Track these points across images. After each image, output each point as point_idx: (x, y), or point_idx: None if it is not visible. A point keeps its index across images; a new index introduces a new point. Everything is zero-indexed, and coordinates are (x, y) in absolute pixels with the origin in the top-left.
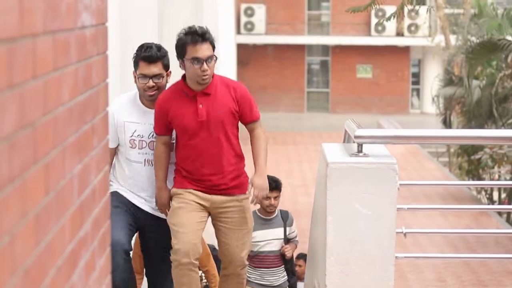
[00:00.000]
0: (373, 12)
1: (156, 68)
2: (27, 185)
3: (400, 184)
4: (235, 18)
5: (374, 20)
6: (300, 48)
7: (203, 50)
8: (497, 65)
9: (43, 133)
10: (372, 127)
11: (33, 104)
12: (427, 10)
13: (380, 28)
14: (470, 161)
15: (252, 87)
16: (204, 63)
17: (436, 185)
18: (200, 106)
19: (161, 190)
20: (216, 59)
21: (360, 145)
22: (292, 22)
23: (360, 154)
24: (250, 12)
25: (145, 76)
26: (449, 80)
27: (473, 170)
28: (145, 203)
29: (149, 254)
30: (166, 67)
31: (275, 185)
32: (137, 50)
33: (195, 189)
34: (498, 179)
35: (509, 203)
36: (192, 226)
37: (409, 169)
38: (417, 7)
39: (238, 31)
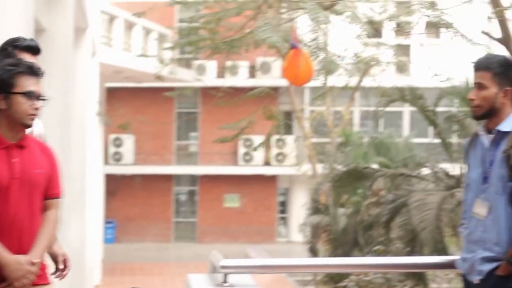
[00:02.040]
0: (240, 142)
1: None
2: None
3: None
4: (103, 148)
5: (241, 150)
6: (168, 178)
7: (39, 85)
8: (363, 193)
9: None
10: (239, 256)
11: None
12: (294, 140)
13: (247, 157)
14: None
15: (120, 217)
16: (38, 100)
17: None
18: (15, 160)
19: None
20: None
21: (225, 276)
22: (161, 152)
23: (226, 284)
24: (118, 143)
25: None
26: (316, 208)
27: None
28: None
29: None
30: None
31: None
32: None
33: None
34: None
35: None
36: None
37: None
38: (284, 137)
39: (106, 162)
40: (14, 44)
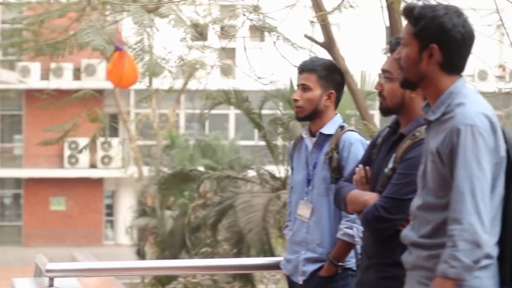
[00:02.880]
0: (66, 144)
1: None
2: None
3: None
4: None
5: (67, 152)
6: None
7: None
8: (190, 195)
9: None
10: (66, 260)
11: None
12: (120, 142)
13: (73, 160)
14: None
15: None
16: None
17: None
18: None
19: None
20: None
21: (51, 279)
22: None
23: None
24: None
25: None
26: (142, 211)
27: None
28: None
29: None
30: None
31: None
32: None
33: None
34: None
35: None
36: None
37: None
38: (109, 139)
39: None
40: None
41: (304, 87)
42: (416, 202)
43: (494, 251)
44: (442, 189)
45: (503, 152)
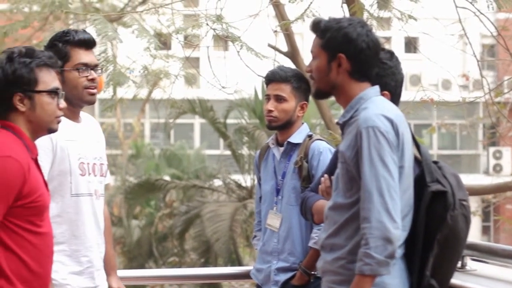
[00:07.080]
0: None
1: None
2: None
3: None
4: None
5: None
6: None
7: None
8: (156, 204)
9: None
10: None
11: None
12: None
13: None
14: None
15: None
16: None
17: None
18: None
19: None
20: None
21: None
22: None
23: None
24: None
25: (86, 65)
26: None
27: None
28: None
29: None
30: None
31: None
32: (61, 36)
33: None
34: None
35: None
36: None
37: None
38: None
39: None
40: (65, 39)
41: (278, 98)
42: (329, 203)
43: (397, 252)
44: (350, 189)
45: (407, 162)
